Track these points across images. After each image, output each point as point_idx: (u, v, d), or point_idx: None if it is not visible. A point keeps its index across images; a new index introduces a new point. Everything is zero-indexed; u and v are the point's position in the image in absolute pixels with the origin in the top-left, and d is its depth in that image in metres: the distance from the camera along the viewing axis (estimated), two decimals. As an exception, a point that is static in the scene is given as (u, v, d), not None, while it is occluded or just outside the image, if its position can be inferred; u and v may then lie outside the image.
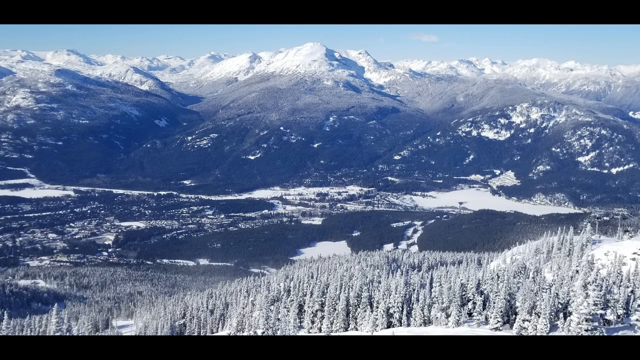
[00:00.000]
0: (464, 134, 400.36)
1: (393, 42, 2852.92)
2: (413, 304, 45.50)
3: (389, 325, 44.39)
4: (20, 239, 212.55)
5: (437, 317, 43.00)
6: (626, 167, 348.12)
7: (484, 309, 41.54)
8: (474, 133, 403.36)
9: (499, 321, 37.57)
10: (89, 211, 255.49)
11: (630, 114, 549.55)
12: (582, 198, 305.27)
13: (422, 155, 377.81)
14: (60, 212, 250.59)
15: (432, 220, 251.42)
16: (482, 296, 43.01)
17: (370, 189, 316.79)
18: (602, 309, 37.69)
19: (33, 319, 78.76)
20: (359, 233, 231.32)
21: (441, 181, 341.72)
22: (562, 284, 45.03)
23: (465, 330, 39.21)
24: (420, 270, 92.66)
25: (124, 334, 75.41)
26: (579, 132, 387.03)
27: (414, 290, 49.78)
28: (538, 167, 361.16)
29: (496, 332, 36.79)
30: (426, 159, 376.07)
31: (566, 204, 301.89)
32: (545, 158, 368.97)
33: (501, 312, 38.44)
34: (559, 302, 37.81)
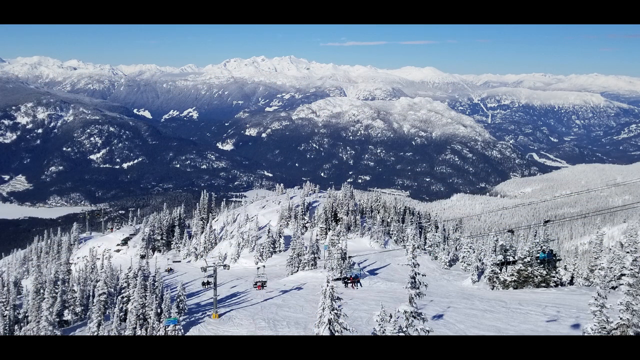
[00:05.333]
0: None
1: None
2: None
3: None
4: None
5: None
6: (136, 161, 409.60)
7: None
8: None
9: None
10: None
11: (135, 111, 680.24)
12: (98, 195, 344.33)
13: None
14: None
15: None
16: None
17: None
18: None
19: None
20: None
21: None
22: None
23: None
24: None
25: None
26: (89, 131, 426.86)
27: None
28: (51, 169, 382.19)
29: None
30: None
31: (83, 202, 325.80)
32: (57, 158, 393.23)
33: None
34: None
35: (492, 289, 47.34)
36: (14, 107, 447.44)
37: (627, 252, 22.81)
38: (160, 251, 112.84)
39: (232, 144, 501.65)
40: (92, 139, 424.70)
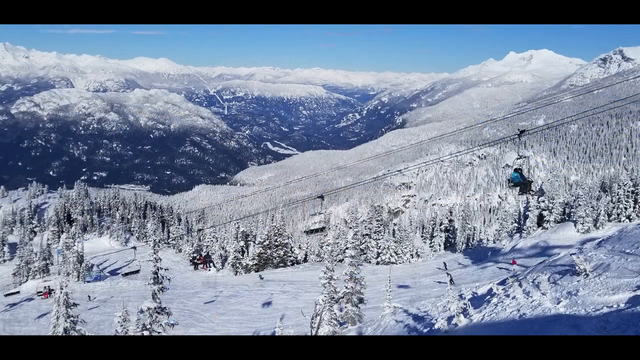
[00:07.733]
0: None
1: None
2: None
3: None
4: None
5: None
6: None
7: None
8: None
9: None
10: None
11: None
12: None
13: None
14: None
15: None
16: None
17: None
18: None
19: None
20: None
21: None
22: None
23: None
24: None
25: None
26: None
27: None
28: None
29: None
30: None
31: None
32: None
33: None
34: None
35: (236, 274, 49.20)
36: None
37: (350, 228, 25.94)
38: None
39: None
40: None
